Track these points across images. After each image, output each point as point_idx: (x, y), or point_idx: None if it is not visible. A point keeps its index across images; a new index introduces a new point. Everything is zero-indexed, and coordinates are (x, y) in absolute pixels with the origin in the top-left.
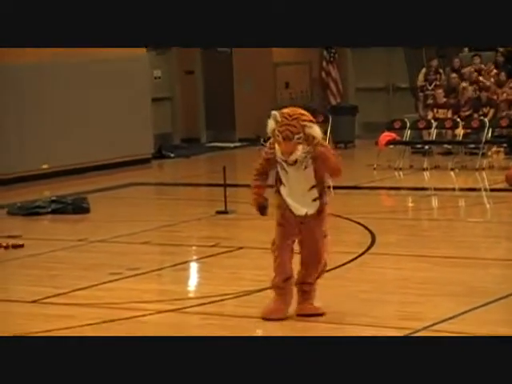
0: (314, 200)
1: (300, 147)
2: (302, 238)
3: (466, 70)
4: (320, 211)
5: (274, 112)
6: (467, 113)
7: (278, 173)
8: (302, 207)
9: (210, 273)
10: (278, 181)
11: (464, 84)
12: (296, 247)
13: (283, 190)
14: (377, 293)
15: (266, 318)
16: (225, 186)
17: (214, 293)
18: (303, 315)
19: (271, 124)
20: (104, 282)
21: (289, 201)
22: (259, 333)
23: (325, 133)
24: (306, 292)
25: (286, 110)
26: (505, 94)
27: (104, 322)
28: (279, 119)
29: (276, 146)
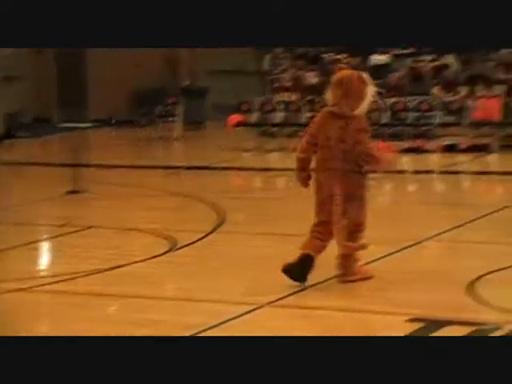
0: None
1: None
2: None
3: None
4: None
5: None
6: (310, 97)
7: None
8: None
9: (60, 252)
10: None
11: (308, 73)
12: None
13: None
14: (226, 268)
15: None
16: (75, 165)
17: (65, 272)
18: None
19: None
20: None
21: None
22: (114, 307)
23: (176, 114)
24: None
25: None
26: None
27: None
28: None
29: None
